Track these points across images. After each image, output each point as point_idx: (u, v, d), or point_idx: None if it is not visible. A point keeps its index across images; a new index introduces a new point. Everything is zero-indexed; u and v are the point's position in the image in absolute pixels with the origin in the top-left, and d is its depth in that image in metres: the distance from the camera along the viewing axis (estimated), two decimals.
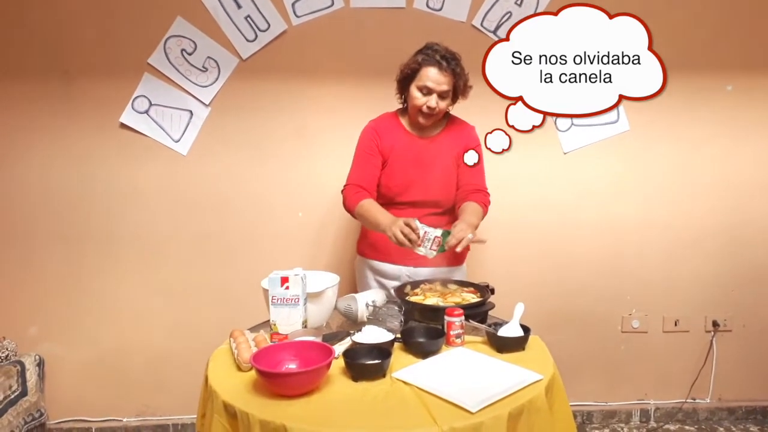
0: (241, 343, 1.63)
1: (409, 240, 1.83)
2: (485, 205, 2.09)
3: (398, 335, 1.69)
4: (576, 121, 2.63)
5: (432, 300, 1.88)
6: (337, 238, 2.67)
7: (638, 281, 2.76)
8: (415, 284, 2.02)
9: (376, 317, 1.90)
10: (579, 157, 2.66)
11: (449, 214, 2.13)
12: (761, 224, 2.73)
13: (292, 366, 1.49)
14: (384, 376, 1.48)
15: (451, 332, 1.68)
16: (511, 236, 2.66)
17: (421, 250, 1.87)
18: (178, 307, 2.67)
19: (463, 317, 1.69)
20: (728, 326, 2.78)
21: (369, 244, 2.22)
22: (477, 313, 1.82)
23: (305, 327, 1.75)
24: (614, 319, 2.79)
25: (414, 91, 2.00)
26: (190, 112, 2.56)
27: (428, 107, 1.99)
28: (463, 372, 1.52)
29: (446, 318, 1.69)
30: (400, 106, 2.15)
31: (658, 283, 2.76)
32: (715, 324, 2.78)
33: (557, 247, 2.72)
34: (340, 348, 1.63)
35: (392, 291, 2.05)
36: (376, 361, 1.50)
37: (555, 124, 2.63)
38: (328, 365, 1.42)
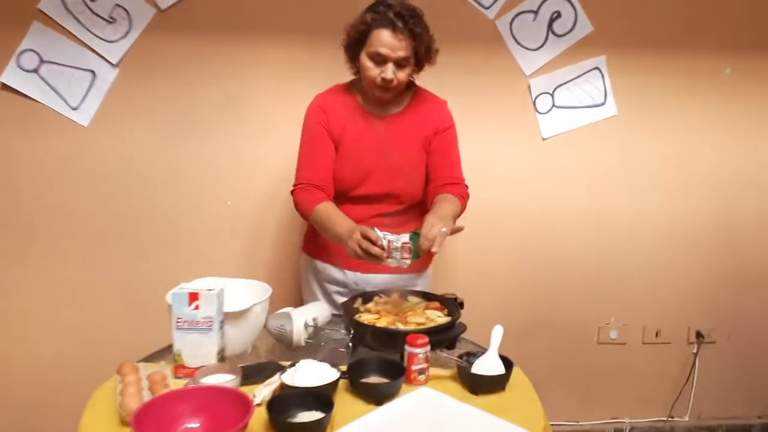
0: (129, 385, 1.20)
1: (371, 254, 1.43)
2: (463, 197, 1.71)
3: (344, 371, 1.28)
4: (558, 101, 2.26)
5: (388, 319, 1.48)
6: (277, 232, 2.23)
7: (619, 287, 2.45)
8: (368, 297, 1.62)
9: (317, 340, 1.50)
10: (559, 145, 2.31)
11: (413, 211, 1.74)
12: (754, 225, 2.45)
13: (193, 425, 1.07)
14: None
15: (413, 367, 1.30)
16: (480, 234, 2.28)
17: (391, 262, 1.47)
18: (74, 312, 2.18)
19: (428, 347, 1.31)
20: (712, 337, 2.51)
21: (312, 240, 1.82)
22: (445, 338, 1.44)
23: (221, 359, 1.33)
24: (590, 329, 2.47)
25: (365, 60, 1.58)
26: (93, 72, 2.06)
27: (383, 79, 1.57)
28: (430, 427, 1.13)
29: (407, 349, 1.30)
30: (354, 76, 1.73)
31: (641, 289, 2.46)
32: (699, 335, 2.50)
33: (532, 248, 2.37)
34: (264, 390, 1.22)
35: (338, 304, 1.65)
36: (313, 419, 1.10)
37: (534, 104, 2.26)
38: (244, 427, 1.01)
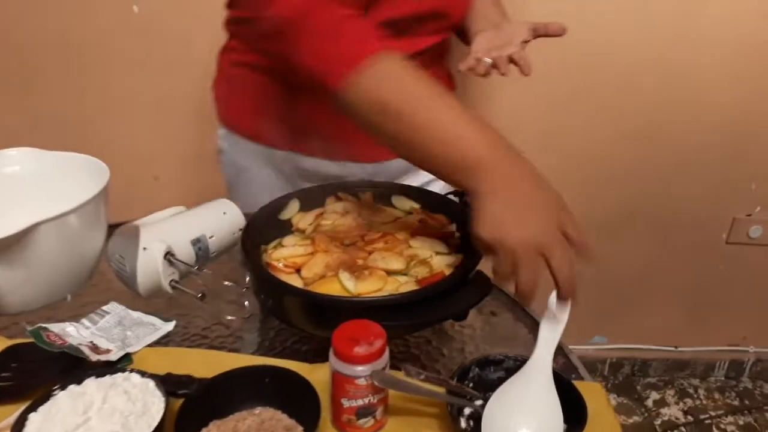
0: None
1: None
2: None
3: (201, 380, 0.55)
4: None
5: (327, 258, 0.70)
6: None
7: None
8: (313, 198, 0.82)
9: (194, 287, 0.74)
10: None
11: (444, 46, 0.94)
12: None
13: None
14: None
15: (347, 402, 0.55)
16: (546, 75, 1.36)
17: None
18: None
19: (383, 358, 0.55)
20: None
21: (270, 102, 0.91)
22: (449, 311, 0.65)
23: None
24: (719, 223, 1.60)
25: None
26: None
27: None
28: None
29: (334, 364, 0.55)
30: None
31: None
32: None
33: (632, 93, 1.43)
34: None
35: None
36: None
37: None
38: None
